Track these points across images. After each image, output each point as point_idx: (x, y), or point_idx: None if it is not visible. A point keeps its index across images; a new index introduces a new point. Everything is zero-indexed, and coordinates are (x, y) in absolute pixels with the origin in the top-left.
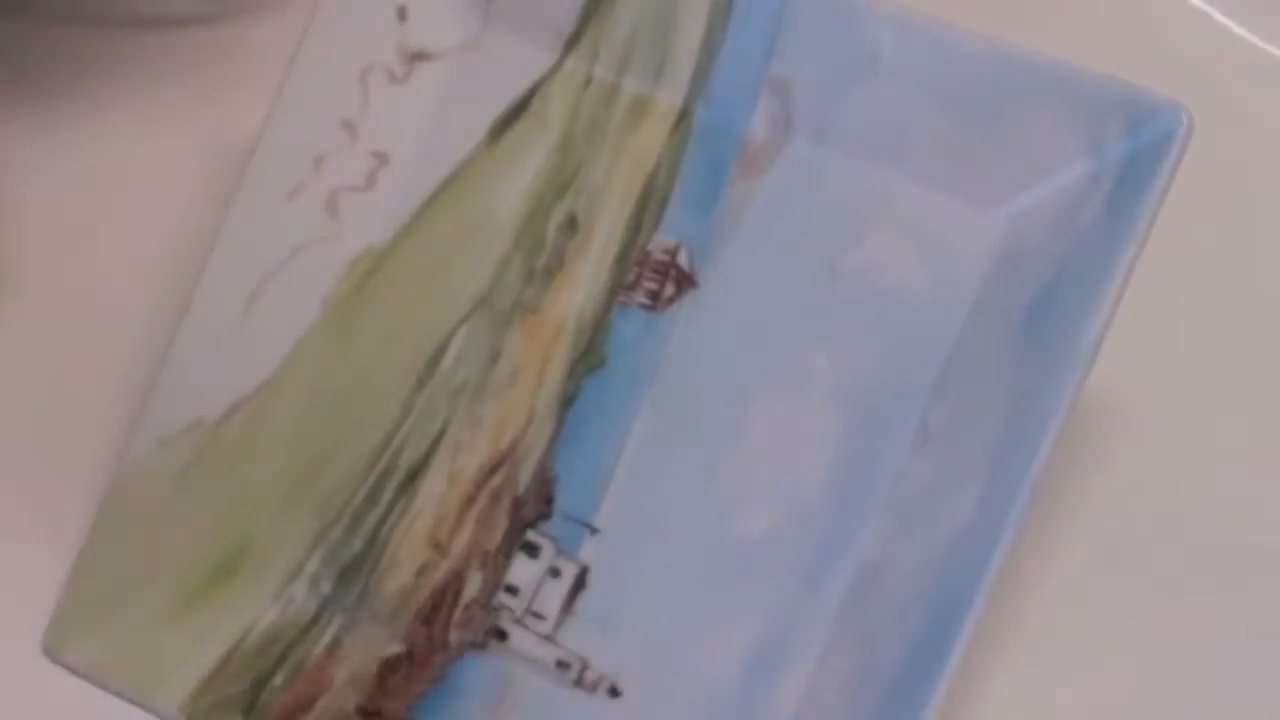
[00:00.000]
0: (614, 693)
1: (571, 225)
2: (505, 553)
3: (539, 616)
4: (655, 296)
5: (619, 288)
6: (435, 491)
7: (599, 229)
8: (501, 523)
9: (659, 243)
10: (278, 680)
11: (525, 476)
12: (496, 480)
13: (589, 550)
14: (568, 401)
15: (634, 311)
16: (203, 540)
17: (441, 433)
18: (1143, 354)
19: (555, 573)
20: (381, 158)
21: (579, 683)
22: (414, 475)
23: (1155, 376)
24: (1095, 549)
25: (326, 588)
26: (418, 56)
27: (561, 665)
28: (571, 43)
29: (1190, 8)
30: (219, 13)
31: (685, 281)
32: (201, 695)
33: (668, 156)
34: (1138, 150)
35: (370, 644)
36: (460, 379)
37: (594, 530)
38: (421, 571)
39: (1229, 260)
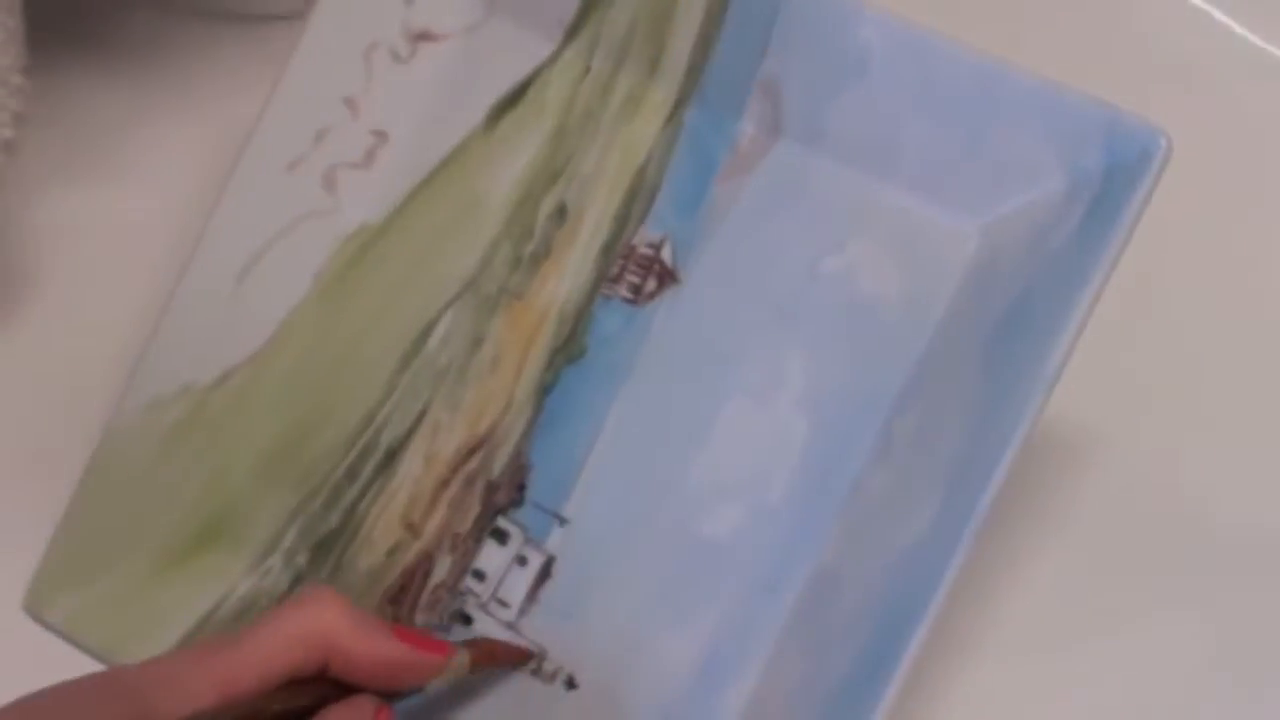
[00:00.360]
0: (571, 684)
1: (561, 214)
2: (475, 537)
3: (503, 604)
4: (637, 290)
5: (603, 279)
6: (412, 472)
7: (587, 219)
8: (474, 507)
9: (645, 236)
10: None
11: (500, 462)
12: (472, 464)
13: (556, 540)
14: (546, 390)
15: (616, 304)
16: (186, 506)
17: (422, 413)
18: (1141, 351)
19: (522, 561)
20: (381, 136)
21: (536, 672)
22: (393, 454)
23: (1155, 375)
24: (1084, 559)
25: (302, 561)
26: (422, 37)
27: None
28: (572, 32)
29: (1191, 7)
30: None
31: (667, 277)
32: None
33: (658, 150)
34: (1114, 171)
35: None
36: (444, 361)
37: (563, 521)
38: (393, 551)
39: (1227, 260)
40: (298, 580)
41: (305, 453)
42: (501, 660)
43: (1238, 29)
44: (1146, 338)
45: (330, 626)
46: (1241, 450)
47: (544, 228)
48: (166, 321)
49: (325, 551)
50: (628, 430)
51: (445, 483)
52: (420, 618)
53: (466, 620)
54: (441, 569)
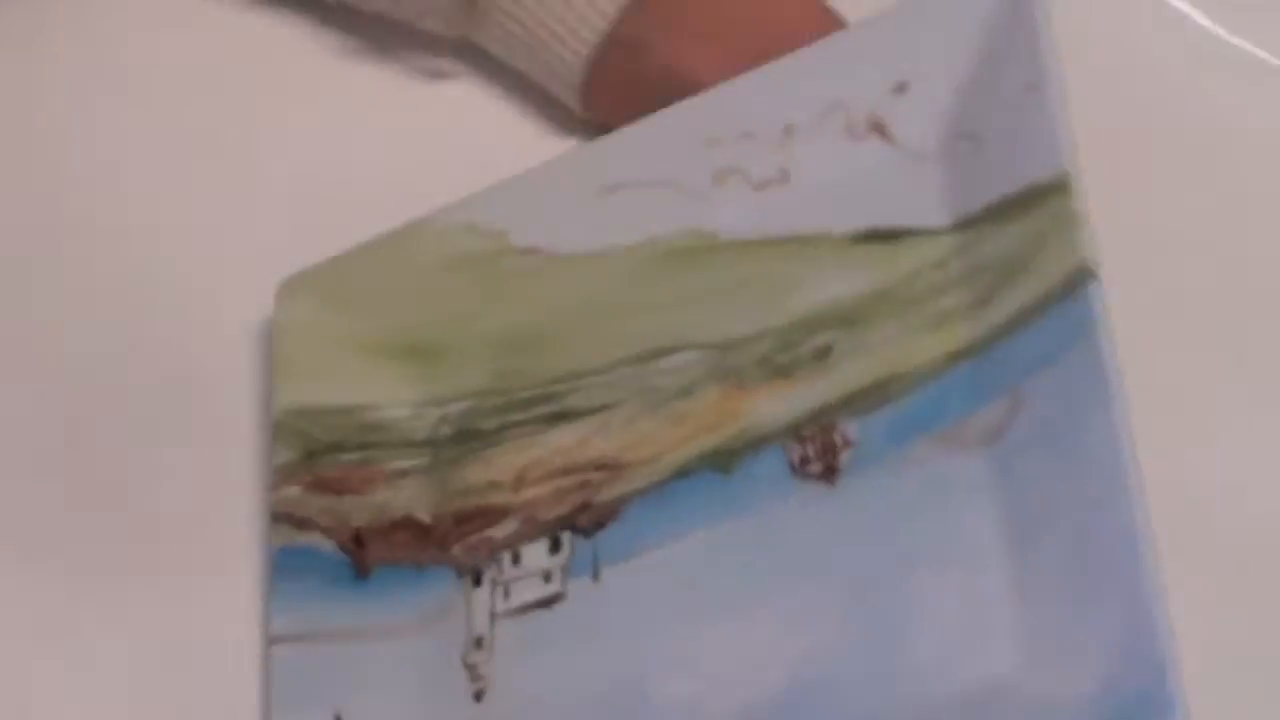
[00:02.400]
0: (478, 697)
1: (824, 354)
2: (541, 531)
3: (506, 595)
4: (804, 461)
5: (794, 431)
6: (560, 443)
7: (834, 375)
8: (562, 509)
9: (845, 427)
10: (350, 456)
11: (609, 494)
12: (595, 476)
13: (579, 587)
14: (683, 472)
15: (780, 456)
16: (429, 319)
17: (606, 407)
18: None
19: (546, 578)
20: (785, 175)
21: (471, 666)
22: (560, 418)
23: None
24: None
25: (445, 432)
26: (877, 129)
27: (478, 643)
28: (965, 224)
29: (1172, 9)
30: None
31: (829, 473)
32: (301, 416)
33: (924, 374)
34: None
35: (415, 496)
36: (655, 384)
37: (597, 577)
38: (489, 486)
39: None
40: (426, 443)
41: (522, 358)
42: None
43: (1220, 32)
44: (1145, 338)
45: None
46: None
47: (804, 352)
48: (527, 175)
49: (461, 441)
50: (697, 551)
51: (568, 472)
52: (457, 549)
53: (477, 581)
54: (503, 530)
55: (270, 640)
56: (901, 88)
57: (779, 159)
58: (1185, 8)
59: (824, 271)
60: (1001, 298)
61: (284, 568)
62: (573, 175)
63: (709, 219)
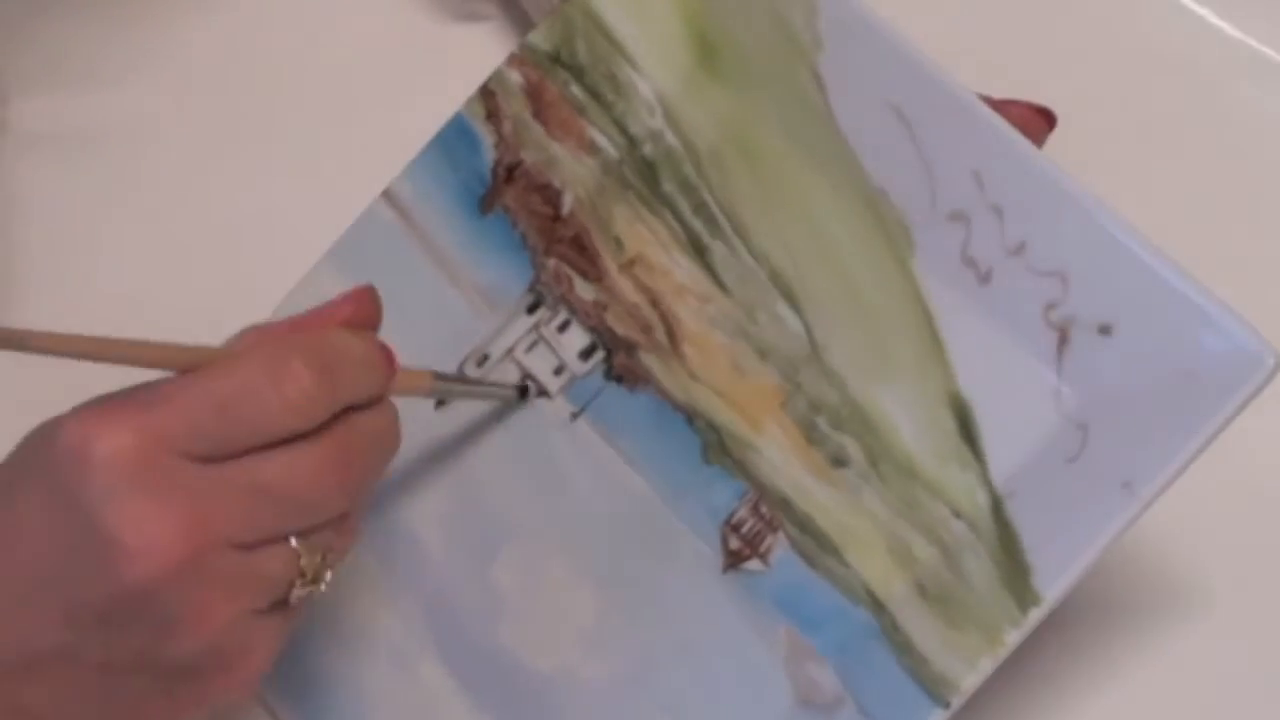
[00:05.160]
0: (438, 404)
1: (841, 461)
2: (596, 330)
3: (530, 349)
4: (736, 525)
5: (761, 491)
6: (677, 273)
7: (827, 489)
8: (621, 328)
9: (778, 542)
10: (578, 91)
11: (649, 363)
12: (661, 337)
13: (558, 406)
14: (690, 419)
15: (734, 493)
16: (743, 33)
17: (721, 287)
18: None
19: (558, 371)
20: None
21: (460, 372)
22: (699, 253)
23: None
24: None
25: (645, 150)
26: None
27: (482, 361)
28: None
29: (1184, 9)
30: None
31: (737, 558)
32: (584, 14)
33: (851, 591)
34: None
35: (578, 180)
36: (754, 311)
37: (575, 417)
38: (615, 241)
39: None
40: (631, 143)
41: (742, 164)
42: None
43: (1231, 30)
44: None
45: None
46: None
47: (834, 440)
48: None
49: (641, 174)
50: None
51: (656, 304)
52: (553, 262)
53: (532, 308)
54: (586, 292)
55: (384, 191)
56: (1106, 329)
57: (999, 258)
58: (1192, 4)
59: (906, 386)
60: (933, 615)
61: (446, 140)
62: None
63: (918, 241)
